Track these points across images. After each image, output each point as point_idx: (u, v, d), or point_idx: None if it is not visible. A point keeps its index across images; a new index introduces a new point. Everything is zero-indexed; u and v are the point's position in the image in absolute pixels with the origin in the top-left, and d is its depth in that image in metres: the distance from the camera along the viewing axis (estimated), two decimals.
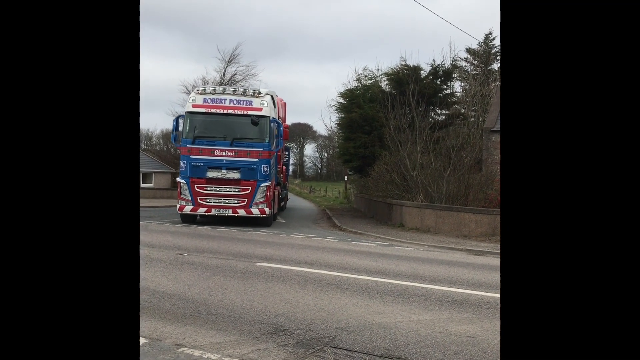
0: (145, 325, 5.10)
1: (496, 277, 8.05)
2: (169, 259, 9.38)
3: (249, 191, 16.43)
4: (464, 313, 6.08)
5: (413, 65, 24.71)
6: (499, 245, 11.01)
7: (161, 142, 65.12)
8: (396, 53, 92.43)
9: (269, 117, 16.73)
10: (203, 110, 16.62)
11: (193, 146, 16.54)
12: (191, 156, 16.49)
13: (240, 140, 16.55)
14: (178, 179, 17.19)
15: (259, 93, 16.91)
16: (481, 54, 37.25)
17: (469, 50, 37.45)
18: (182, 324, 5.25)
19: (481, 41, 37.52)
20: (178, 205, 16.82)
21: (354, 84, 28.69)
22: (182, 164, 16.89)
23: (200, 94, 16.90)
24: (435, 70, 25.88)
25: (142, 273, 7.54)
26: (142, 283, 6.84)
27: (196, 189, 16.42)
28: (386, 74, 26.65)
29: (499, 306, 5.61)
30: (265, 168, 16.62)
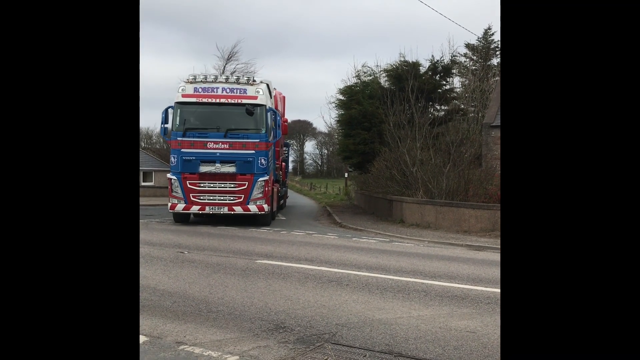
0: (146, 323, 5.11)
1: (496, 272, 8.06)
2: (170, 257, 9.40)
3: (245, 186, 15.19)
4: (464, 308, 6.09)
5: (412, 61, 24.64)
6: (498, 241, 11.01)
7: (161, 140, 65.11)
8: (395, 49, 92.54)
9: (265, 105, 15.46)
10: (194, 100, 15.22)
11: (184, 139, 15.20)
12: (182, 150, 15.19)
13: (234, 131, 15.23)
14: (168, 175, 15.74)
15: (254, 81, 15.72)
16: (480, 50, 37.19)
17: (468, 46, 37.44)
18: (183, 322, 5.26)
19: (480, 36, 37.46)
20: (169, 204, 15.54)
21: (354, 80, 28.63)
22: (172, 159, 15.50)
23: (191, 82, 15.39)
24: (434, 66, 25.82)
25: (143, 271, 7.55)
26: (142, 281, 6.85)
27: (188, 186, 15.19)
28: (385, 70, 26.59)
29: (499, 301, 5.62)
30: (263, 161, 15.35)
